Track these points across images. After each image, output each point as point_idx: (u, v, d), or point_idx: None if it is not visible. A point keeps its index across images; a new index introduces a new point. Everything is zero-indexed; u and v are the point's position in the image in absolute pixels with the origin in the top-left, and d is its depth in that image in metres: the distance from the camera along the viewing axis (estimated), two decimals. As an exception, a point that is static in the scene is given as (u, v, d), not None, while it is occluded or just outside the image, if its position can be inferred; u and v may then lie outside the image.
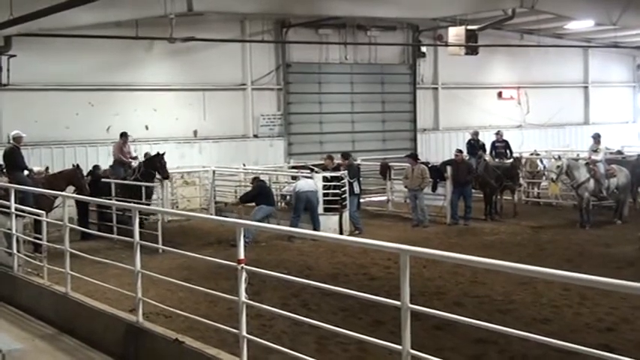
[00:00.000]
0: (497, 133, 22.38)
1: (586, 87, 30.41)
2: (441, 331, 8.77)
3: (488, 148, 22.06)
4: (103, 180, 17.35)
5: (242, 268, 6.15)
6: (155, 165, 17.80)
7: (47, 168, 16.75)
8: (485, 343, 8.43)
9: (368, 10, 20.29)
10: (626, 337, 8.97)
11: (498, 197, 19.71)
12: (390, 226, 18.51)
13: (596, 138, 18.71)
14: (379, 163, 21.54)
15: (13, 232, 10.34)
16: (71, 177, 16.08)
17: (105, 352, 7.71)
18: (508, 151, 21.70)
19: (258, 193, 16.51)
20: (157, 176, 17.98)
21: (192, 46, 21.43)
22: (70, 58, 20.44)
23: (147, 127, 21.85)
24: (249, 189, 17.34)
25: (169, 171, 18.53)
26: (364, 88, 25.43)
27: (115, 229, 15.65)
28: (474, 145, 21.60)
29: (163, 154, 18.06)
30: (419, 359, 4.88)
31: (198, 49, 22.00)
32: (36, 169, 16.19)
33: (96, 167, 18.21)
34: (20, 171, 15.18)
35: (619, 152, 23.12)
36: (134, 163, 18.33)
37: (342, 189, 17.25)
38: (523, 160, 21.32)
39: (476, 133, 22.32)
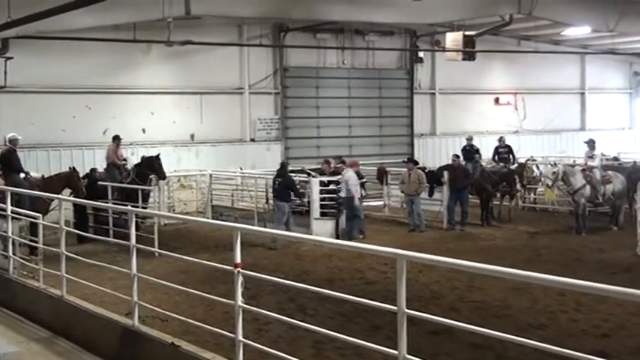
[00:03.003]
0: (500, 139, 22.31)
1: (583, 93, 30.46)
2: (437, 336, 8.76)
3: (490, 153, 22.07)
4: (99, 183, 17.33)
5: (239, 272, 6.14)
6: (153, 166, 17.86)
7: (43, 176, 16.51)
8: (481, 348, 8.44)
9: (366, 15, 20.31)
10: (622, 343, 8.98)
11: (497, 203, 19.73)
12: (387, 231, 18.51)
13: (591, 144, 18.74)
14: (376, 168, 21.55)
15: (9, 234, 10.33)
16: (68, 180, 16.03)
17: (100, 355, 7.71)
18: (511, 156, 21.67)
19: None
20: (152, 177, 18.02)
21: (189, 49, 21.42)
22: (67, 61, 20.40)
23: (144, 131, 21.84)
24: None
25: (166, 174, 18.56)
26: (362, 93, 25.45)
27: (111, 232, 15.66)
28: (470, 151, 21.59)
29: (158, 154, 18.21)
30: (415, 364, 4.89)
31: (196, 53, 22.00)
32: (33, 174, 16.10)
33: (93, 170, 18.17)
34: (16, 173, 15.17)
35: (615, 159, 23.14)
36: (128, 166, 18.35)
37: (339, 193, 17.26)
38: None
39: (470, 139, 22.32)
